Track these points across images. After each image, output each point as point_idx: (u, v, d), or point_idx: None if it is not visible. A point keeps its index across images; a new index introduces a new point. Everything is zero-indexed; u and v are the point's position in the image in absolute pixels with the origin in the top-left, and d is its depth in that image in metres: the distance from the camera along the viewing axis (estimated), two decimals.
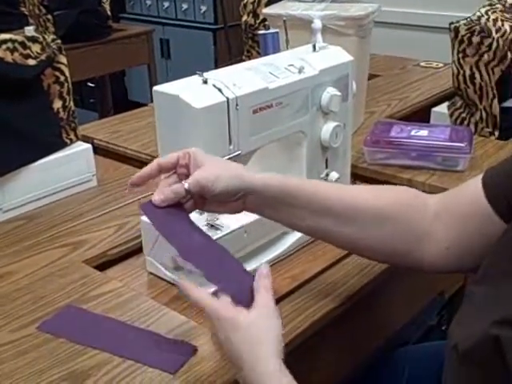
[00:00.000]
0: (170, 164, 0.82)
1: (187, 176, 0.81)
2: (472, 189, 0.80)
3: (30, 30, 1.22)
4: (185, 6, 3.88)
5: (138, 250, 1.08)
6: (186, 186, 0.79)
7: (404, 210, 0.84)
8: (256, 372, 0.70)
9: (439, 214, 0.83)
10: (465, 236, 0.80)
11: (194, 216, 1.00)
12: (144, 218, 1.01)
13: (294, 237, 1.07)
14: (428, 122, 1.71)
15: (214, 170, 0.81)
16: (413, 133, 1.38)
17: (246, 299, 0.75)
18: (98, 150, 1.51)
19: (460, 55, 1.53)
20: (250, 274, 0.80)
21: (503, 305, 0.63)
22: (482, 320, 0.64)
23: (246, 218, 0.99)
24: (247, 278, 0.78)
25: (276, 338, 0.73)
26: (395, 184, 1.31)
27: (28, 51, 1.22)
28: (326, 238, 0.88)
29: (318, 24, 1.34)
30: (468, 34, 1.50)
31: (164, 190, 0.81)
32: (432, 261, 0.83)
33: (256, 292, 0.75)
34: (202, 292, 0.75)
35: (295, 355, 0.88)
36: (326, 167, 1.08)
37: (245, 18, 1.99)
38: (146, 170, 0.82)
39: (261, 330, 0.72)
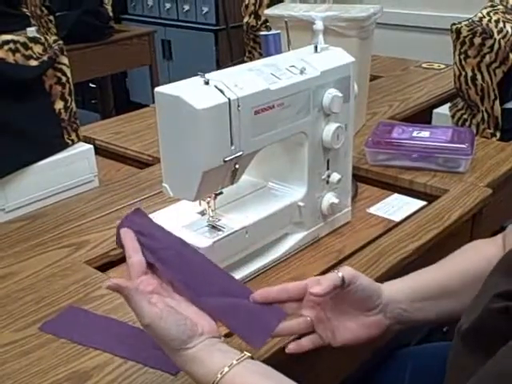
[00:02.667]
0: (298, 290, 0.81)
1: (315, 304, 0.82)
2: None
3: (31, 31, 1.22)
4: (186, 7, 3.88)
5: None
6: (340, 274, 0.79)
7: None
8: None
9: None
10: None
11: (195, 217, 1.00)
12: None
13: (296, 238, 1.07)
14: (430, 123, 1.71)
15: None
16: (414, 134, 1.38)
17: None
18: (99, 151, 1.51)
19: (462, 56, 1.54)
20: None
21: (503, 283, 0.65)
22: (483, 297, 0.66)
23: (247, 219, 0.99)
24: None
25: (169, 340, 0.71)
26: (396, 186, 1.32)
27: (30, 52, 1.22)
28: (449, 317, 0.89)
29: (319, 25, 1.34)
30: (470, 36, 1.50)
31: (321, 280, 0.79)
32: None
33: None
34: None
35: (296, 356, 0.88)
36: (328, 168, 1.08)
37: (246, 19, 1.99)
38: (272, 291, 0.80)
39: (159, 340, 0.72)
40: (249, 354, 0.72)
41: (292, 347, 0.82)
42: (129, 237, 0.76)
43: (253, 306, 0.78)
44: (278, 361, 0.83)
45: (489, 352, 0.60)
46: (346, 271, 0.80)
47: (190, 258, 0.78)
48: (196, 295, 0.75)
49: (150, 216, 0.90)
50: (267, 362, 0.78)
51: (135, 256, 0.75)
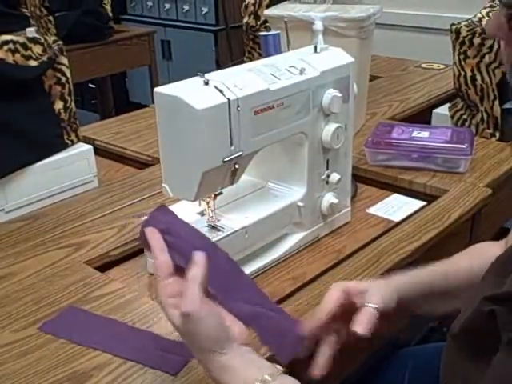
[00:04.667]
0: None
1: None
2: None
3: (31, 32, 1.22)
4: (186, 8, 3.88)
5: (139, 251, 1.08)
6: (374, 306, 0.79)
7: None
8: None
9: None
10: None
11: (195, 217, 1.00)
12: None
13: (296, 238, 1.07)
14: (429, 123, 1.71)
15: (383, 286, 0.83)
16: (414, 134, 1.38)
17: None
18: (99, 151, 1.51)
19: (461, 57, 1.54)
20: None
21: (492, 285, 0.66)
22: (474, 299, 0.67)
23: (246, 219, 0.99)
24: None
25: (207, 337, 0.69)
26: (396, 186, 1.32)
27: (29, 52, 1.22)
28: None
29: (319, 25, 1.34)
30: (469, 36, 1.50)
31: (360, 320, 0.78)
32: None
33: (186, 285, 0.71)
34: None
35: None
36: (327, 169, 1.08)
37: (246, 19, 1.99)
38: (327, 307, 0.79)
39: (192, 337, 0.70)
40: (282, 369, 0.70)
41: (317, 373, 0.79)
42: (154, 236, 0.75)
43: (282, 320, 0.77)
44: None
45: (477, 351, 0.62)
46: (375, 300, 0.79)
47: (219, 262, 0.76)
48: (226, 299, 0.74)
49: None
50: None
51: (162, 256, 0.73)
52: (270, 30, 1.44)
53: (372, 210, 1.22)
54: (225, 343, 0.69)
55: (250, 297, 0.76)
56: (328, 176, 1.09)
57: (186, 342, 0.72)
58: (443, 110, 1.71)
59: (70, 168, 1.30)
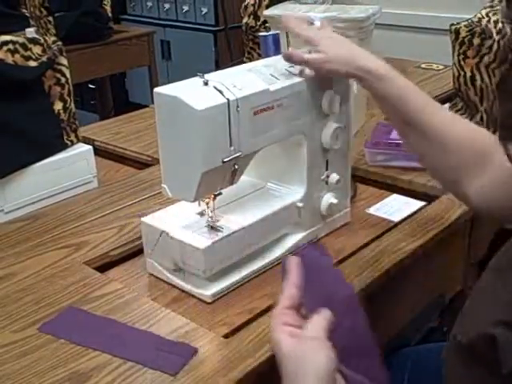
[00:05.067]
0: None
1: None
2: None
3: (30, 32, 1.23)
4: (185, 8, 3.88)
5: (138, 252, 1.08)
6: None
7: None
8: None
9: None
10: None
11: (195, 218, 1.00)
12: (146, 220, 1.01)
13: (295, 238, 1.07)
14: None
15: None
16: None
17: None
18: (98, 152, 1.51)
19: (461, 57, 1.54)
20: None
21: (502, 305, 0.65)
22: (482, 317, 0.66)
23: (246, 220, 0.99)
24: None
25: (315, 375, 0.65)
26: (395, 186, 1.32)
27: (29, 53, 1.22)
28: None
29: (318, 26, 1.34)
30: (469, 36, 1.50)
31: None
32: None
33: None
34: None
35: None
36: (327, 169, 1.08)
37: (245, 19, 1.99)
38: None
39: (298, 367, 0.66)
40: None
41: None
42: (295, 269, 0.73)
43: None
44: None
45: (475, 365, 0.63)
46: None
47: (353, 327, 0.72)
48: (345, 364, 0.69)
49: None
50: None
51: (289, 290, 0.71)
52: (269, 30, 1.44)
53: (372, 210, 1.22)
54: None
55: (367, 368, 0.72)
56: (327, 176, 1.09)
57: (281, 365, 0.67)
58: None
59: (70, 168, 1.30)
